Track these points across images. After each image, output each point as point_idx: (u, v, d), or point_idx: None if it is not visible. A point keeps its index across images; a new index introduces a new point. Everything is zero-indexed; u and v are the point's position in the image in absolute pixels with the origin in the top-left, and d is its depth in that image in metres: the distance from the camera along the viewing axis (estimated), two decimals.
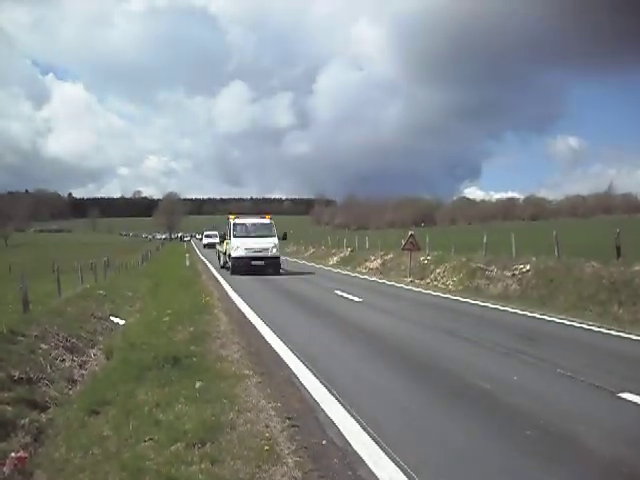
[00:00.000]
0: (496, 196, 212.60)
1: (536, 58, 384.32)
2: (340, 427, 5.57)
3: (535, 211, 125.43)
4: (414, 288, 21.77)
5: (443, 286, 22.61)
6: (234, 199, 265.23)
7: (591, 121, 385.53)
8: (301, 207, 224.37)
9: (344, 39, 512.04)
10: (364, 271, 32.14)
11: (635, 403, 6.42)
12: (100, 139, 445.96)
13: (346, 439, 5.26)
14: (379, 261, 32.74)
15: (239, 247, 24.54)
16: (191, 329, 10.88)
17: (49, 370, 8.02)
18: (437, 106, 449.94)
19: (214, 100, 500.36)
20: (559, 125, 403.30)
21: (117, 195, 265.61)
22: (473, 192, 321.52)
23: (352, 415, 5.89)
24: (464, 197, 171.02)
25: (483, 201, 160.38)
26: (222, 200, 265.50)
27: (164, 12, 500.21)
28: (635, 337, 11.04)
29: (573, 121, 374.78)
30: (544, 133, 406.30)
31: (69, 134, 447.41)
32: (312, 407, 6.30)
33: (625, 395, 6.68)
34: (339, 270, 33.65)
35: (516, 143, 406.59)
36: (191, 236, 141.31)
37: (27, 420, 5.94)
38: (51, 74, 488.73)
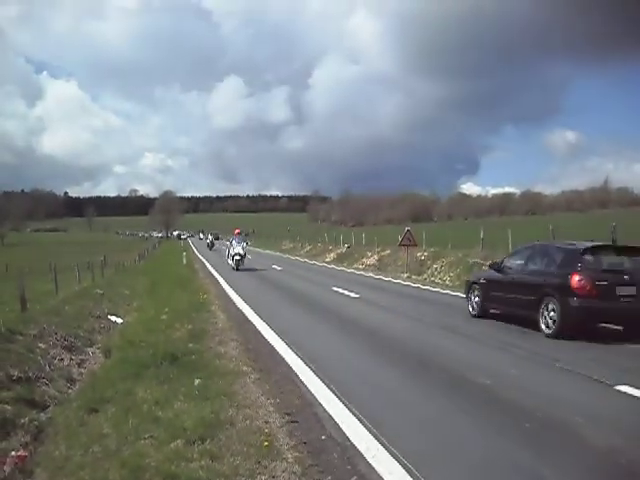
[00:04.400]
0: (492, 191, 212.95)
1: (535, 52, 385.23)
2: (339, 422, 5.59)
3: (531, 206, 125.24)
4: (411, 284, 21.82)
5: (440, 282, 22.67)
6: (230, 197, 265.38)
7: (589, 115, 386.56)
8: (297, 204, 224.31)
9: (340, 32, 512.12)
10: (361, 267, 32.21)
11: (632, 395, 6.47)
12: (95, 137, 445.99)
13: (345, 434, 5.28)
14: (376, 257, 32.82)
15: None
16: (189, 327, 10.87)
17: (48, 369, 8.02)
18: (435, 100, 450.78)
19: (210, 96, 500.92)
20: (557, 119, 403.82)
21: (113, 194, 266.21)
22: (470, 187, 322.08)
23: (351, 410, 5.90)
24: (460, 192, 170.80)
25: (479, 196, 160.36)
26: (218, 198, 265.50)
27: (158, 7, 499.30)
28: None
29: (571, 115, 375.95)
30: (542, 127, 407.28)
31: (64, 132, 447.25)
32: (311, 403, 6.31)
33: (622, 387, 6.73)
34: (336, 267, 33.69)
35: (514, 138, 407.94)
36: (189, 235, 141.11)
37: (27, 419, 5.95)
38: (45, 72, 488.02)
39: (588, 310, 10.14)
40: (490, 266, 13.75)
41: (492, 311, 12.68)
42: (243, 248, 28.95)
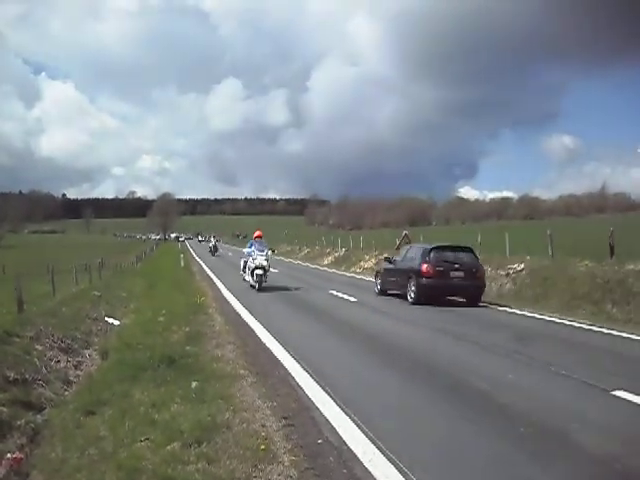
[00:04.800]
0: (490, 195, 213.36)
1: (533, 56, 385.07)
2: (336, 426, 5.58)
3: (529, 210, 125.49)
4: None
5: None
6: (228, 199, 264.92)
7: (586, 119, 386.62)
8: (295, 207, 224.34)
9: (339, 35, 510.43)
10: (358, 271, 32.21)
11: (628, 400, 6.47)
12: (93, 139, 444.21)
13: (342, 438, 5.27)
14: (373, 261, 32.81)
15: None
16: (186, 329, 10.87)
17: (44, 371, 8.02)
18: (433, 104, 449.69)
19: (207, 98, 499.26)
20: (555, 124, 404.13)
21: (111, 195, 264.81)
22: (467, 192, 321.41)
23: (348, 414, 5.90)
24: (457, 197, 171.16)
25: (477, 200, 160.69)
26: (216, 200, 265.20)
27: (156, 9, 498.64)
28: (628, 335, 11.12)
29: (568, 120, 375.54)
30: (540, 132, 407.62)
31: (62, 134, 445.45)
32: (308, 406, 6.31)
33: (618, 393, 6.72)
34: (333, 270, 33.71)
35: (511, 142, 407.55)
36: (187, 237, 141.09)
37: (23, 421, 5.94)
38: (43, 73, 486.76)
39: (431, 286, 15.96)
40: (385, 259, 20.14)
41: (389, 291, 18.43)
42: (267, 258, 19.41)
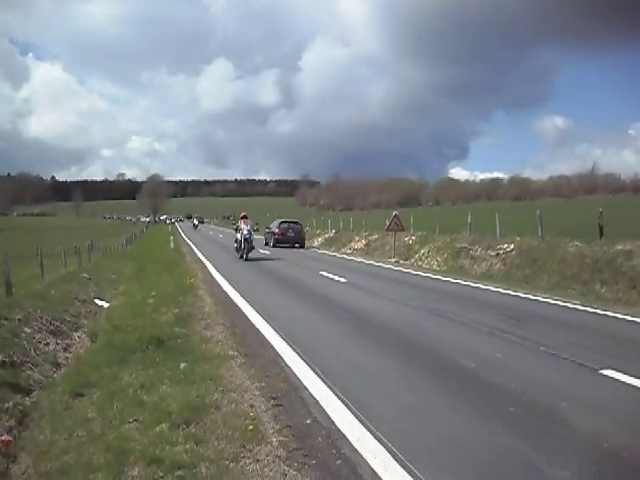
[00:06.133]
0: (481, 176, 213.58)
1: (525, 37, 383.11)
2: (324, 406, 5.59)
3: (519, 191, 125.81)
4: (399, 268, 21.85)
5: (428, 266, 22.74)
6: (219, 181, 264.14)
7: (578, 101, 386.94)
8: (286, 188, 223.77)
9: (331, 15, 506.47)
10: (349, 252, 32.27)
11: (616, 379, 6.51)
12: (82, 120, 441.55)
13: (330, 418, 5.28)
14: (364, 242, 32.90)
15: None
16: (175, 311, 10.84)
17: (33, 353, 7.98)
18: (425, 84, 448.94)
19: (198, 79, 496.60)
20: (546, 105, 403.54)
21: (100, 177, 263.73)
22: (458, 172, 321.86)
23: (336, 394, 5.90)
24: (448, 177, 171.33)
25: (467, 181, 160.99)
26: (206, 182, 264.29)
27: None
28: (617, 315, 11.18)
29: (560, 101, 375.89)
30: (531, 113, 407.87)
31: (51, 115, 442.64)
32: (296, 387, 6.31)
33: (607, 372, 6.77)
34: (324, 251, 33.75)
35: (503, 123, 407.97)
36: (178, 219, 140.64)
37: (11, 403, 5.92)
38: (30, 54, 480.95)
39: (278, 239, 35.16)
40: (266, 227, 40.23)
41: (268, 243, 36.08)
42: None
